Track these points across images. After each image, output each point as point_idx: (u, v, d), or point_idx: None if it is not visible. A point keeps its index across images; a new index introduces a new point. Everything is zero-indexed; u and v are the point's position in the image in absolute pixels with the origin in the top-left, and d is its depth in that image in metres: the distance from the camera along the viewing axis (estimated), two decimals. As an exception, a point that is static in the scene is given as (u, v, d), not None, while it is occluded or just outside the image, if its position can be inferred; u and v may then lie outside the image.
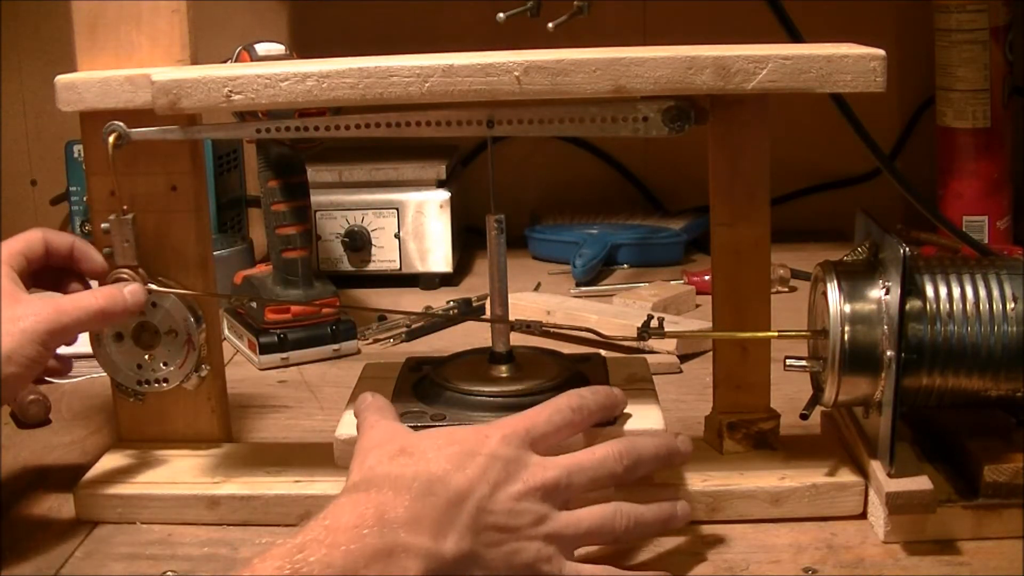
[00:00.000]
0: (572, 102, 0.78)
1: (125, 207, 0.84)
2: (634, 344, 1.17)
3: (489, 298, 0.85)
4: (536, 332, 0.88)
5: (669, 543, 0.79)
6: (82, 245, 0.85)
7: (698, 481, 0.82)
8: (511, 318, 0.85)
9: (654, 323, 0.85)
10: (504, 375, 0.85)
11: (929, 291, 0.78)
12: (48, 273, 0.85)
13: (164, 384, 0.87)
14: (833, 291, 0.79)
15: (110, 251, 0.84)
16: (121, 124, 0.81)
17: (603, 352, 0.94)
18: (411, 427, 0.78)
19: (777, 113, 0.84)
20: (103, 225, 0.84)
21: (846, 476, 0.82)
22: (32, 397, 1.03)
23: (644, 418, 0.79)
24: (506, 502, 0.68)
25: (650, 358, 1.09)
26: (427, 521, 0.65)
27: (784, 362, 0.83)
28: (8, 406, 1.03)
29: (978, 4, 1.47)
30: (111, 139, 0.81)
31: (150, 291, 0.84)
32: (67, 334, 0.79)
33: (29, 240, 0.83)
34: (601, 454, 0.74)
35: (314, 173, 1.38)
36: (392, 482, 0.67)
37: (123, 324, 0.85)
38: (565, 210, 1.68)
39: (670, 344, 1.16)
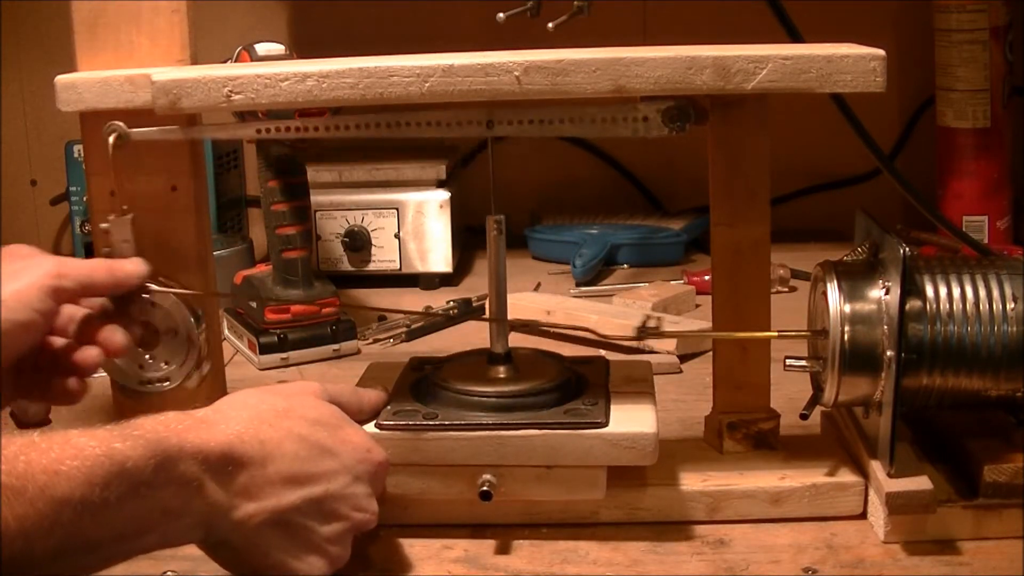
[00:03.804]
0: (572, 102, 0.78)
1: (125, 207, 0.83)
2: (634, 344, 1.17)
3: (488, 298, 0.85)
4: (534, 332, 0.88)
5: (669, 543, 0.79)
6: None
7: (698, 481, 0.82)
8: (511, 319, 0.85)
9: (651, 322, 0.85)
10: (502, 376, 0.85)
11: (929, 291, 0.78)
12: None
13: (166, 384, 0.87)
14: (833, 291, 0.79)
15: (109, 251, 0.84)
16: (121, 124, 0.81)
17: (604, 354, 0.94)
18: (404, 424, 0.79)
19: (777, 113, 0.84)
20: (102, 225, 0.84)
21: (846, 476, 0.82)
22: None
23: (636, 420, 0.79)
24: None
25: (650, 358, 1.09)
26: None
27: (784, 362, 0.83)
28: (8, 405, 1.02)
29: (978, 4, 1.47)
30: (111, 139, 0.81)
31: (150, 291, 0.83)
32: (72, 291, 0.78)
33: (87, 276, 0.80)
34: None
35: (314, 173, 1.38)
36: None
37: (128, 324, 0.85)
38: (565, 210, 1.68)
39: (670, 344, 1.16)
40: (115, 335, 0.80)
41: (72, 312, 0.81)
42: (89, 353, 0.80)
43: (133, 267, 0.81)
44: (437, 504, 0.81)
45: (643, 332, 0.84)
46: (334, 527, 0.71)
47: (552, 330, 1.24)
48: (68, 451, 0.59)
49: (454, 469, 0.79)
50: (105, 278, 0.80)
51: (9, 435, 0.59)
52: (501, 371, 0.85)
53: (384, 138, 0.80)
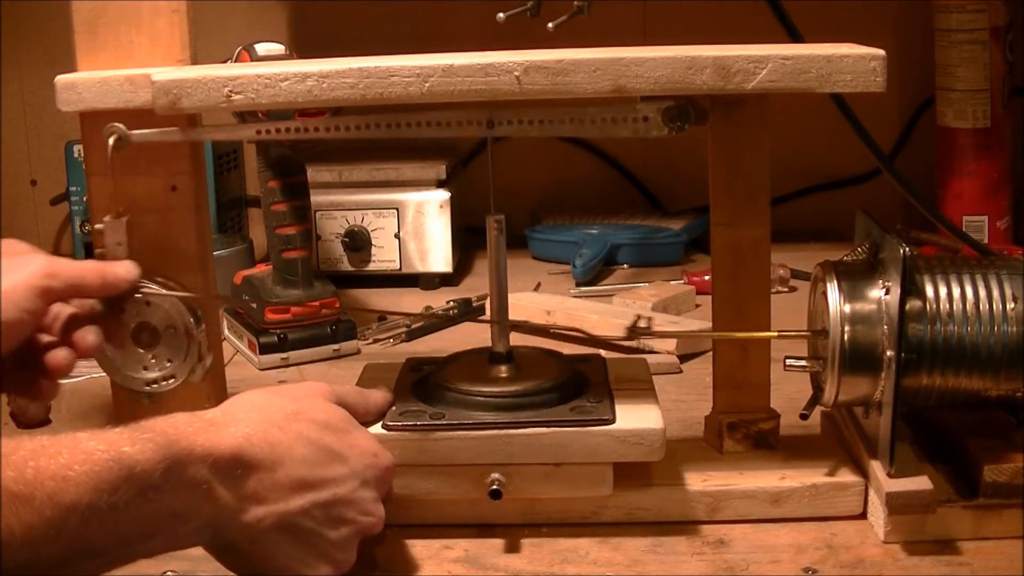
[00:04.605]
0: (572, 102, 0.78)
1: (121, 208, 0.83)
2: (634, 344, 1.17)
3: (489, 298, 0.85)
4: (531, 332, 0.87)
5: (669, 543, 0.79)
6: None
7: (698, 481, 0.82)
8: (511, 319, 0.85)
9: (642, 323, 0.85)
10: (504, 375, 0.85)
11: (929, 291, 0.78)
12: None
13: (171, 381, 0.87)
14: (833, 291, 0.79)
15: (103, 252, 0.84)
16: (121, 126, 0.80)
17: (603, 353, 0.94)
18: (411, 425, 0.79)
19: (777, 113, 0.84)
20: (96, 226, 0.83)
21: (846, 476, 0.82)
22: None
23: (643, 416, 0.79)
24: None
25: (650, 358, 1.09)
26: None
27: (784, 362, 0.83)
28: (7, 398, 1.02)
29: (978, 4, 1.47)
30: (111, 141, 0.80)
31: (144, 292, 0.83)
32: (61, 292, 0.78)
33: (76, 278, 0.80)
34: None
35: (314, 173, 1.38)
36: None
37: (117, 327, 0.84)
38: (565, 210, 1.68)
39: (670, 344, 1.16)
40: (87, 335, 0.80)
41: (59, 311, 0.80)
42: (59, 355, 0.79)
43: (124, 270, 0.81)
44: (439, 504, 0.81)
45: (634, 332, 0.84)
46: (341, 532, 0.71)
47: (552, 331, 1.24)
48: (77, 456, 0.58)
49: (461, 469, 0.79)
50: (95, 280, 0.80)
51: (18, 439, 0.58)
52: (503, 370, 0.85)
53: (384, 138, 0.80)
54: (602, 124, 0.79)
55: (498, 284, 0.84)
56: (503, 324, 0.85)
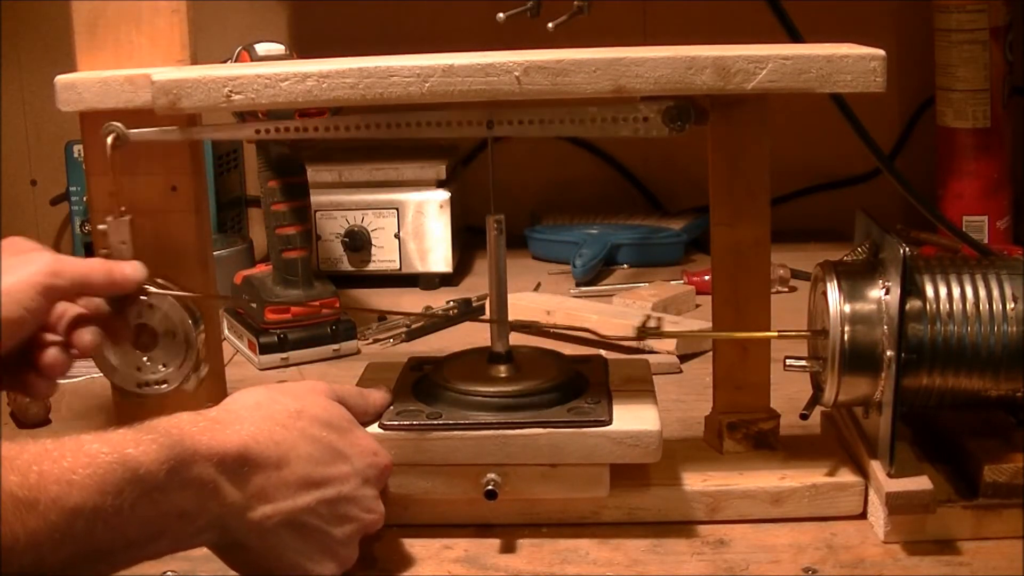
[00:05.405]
0: (572, 102, 0.78)
1: (123, 208, 0.83)
2: (634, 344, 1.17)
3: (488, 298, 0.85)
4: (534, 332, 0.88)
5: (669, 543, 0.79)
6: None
7: (698, 481, 0.82)
8: (511, 319, 0.85)
9: (651, 322, 0.85)
10: (503, 375, 0.85)
11: (929, 291, 0.78)
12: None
13: (164, 386, 0.87)
14: (833, 291, 0.79)
15: (107, 252, 0.84)
16: (119, 125, 0.80)
17: (604, 353, 0.94)
18: (408, 424, 0.79)
19: (777, 113, 0.84)
20: (100, 227, 0.83)
21: (846, 476, 0.82)
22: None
23: (640, 418, 0.79)
24: None
25: (650, 358, 1.09)
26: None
27: (784, 362, 0.83)
28: (7, 398, 1.02)
29: (978, 4, 1.47)
30: (109, 140, 0.80)
31: (148, 293, 0.83)
32: (65, 290, 0.77)
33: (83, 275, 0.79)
34: None
35: (314, 173, 1.38)
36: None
37: (121, 327, 0.84)
38: (565, 210, 1.68)
39: (670, 344, 1.16)
40: (84, 336, 0.79)
41: (65, 309, 0.80)
42: (53, 355, 0.79)
43: (132, 270, 0.81)
44: (438, 504, 0.81)
45: (643, 332, 0.84)
46: (345, 529, 0.72)
47: (552, 331, 1.24)
48: (81, 459, 0.58)
49: (458, 468, 0.79)
50: (102, 279, 0.79)
51: (22, 443, 0.58)
52: (502, 370, 0.85)
53: (384, 138, 0.80)
54: (602, 124, 0.79)
55: (497, 284, 0.84)
56: (502, 323, 0.85)
